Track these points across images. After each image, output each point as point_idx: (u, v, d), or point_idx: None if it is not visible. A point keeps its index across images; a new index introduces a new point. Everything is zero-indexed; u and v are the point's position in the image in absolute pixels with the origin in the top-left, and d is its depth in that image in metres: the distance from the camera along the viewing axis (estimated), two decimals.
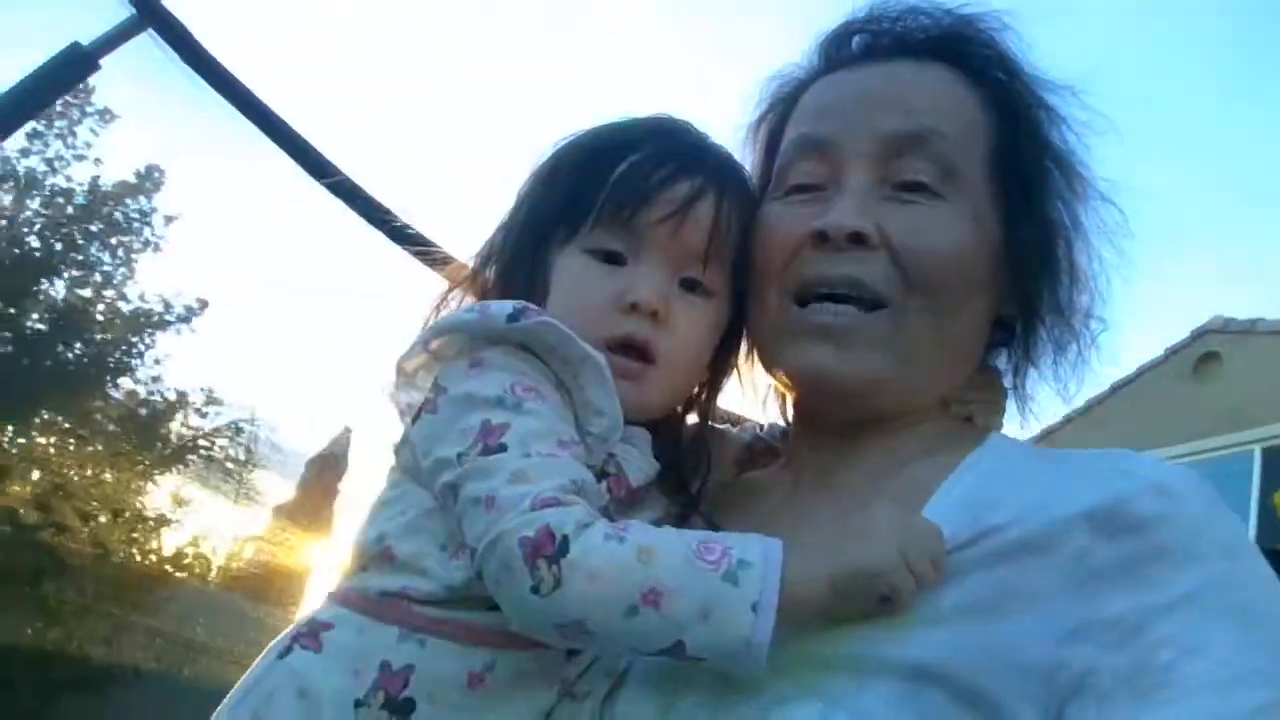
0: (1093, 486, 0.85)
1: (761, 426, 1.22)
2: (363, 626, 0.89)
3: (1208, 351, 11.23)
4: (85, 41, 2.66)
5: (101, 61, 2.68)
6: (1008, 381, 1.12)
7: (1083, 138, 1.08)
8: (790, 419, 1.15)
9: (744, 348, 1.11)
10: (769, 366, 1.06)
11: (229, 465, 15.53)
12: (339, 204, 2.74)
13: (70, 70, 2.62)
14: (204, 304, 14.36)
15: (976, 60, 1.07)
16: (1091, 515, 0.83)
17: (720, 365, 1.09)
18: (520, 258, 1.03)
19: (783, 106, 1.13)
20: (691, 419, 1.10)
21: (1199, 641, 0.78)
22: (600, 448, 0.94)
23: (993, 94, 1.06)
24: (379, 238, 2.60)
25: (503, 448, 0.85)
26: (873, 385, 0.98)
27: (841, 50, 1.12)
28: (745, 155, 1.16)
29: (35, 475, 12.32)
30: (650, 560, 0.78)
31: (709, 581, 0.77)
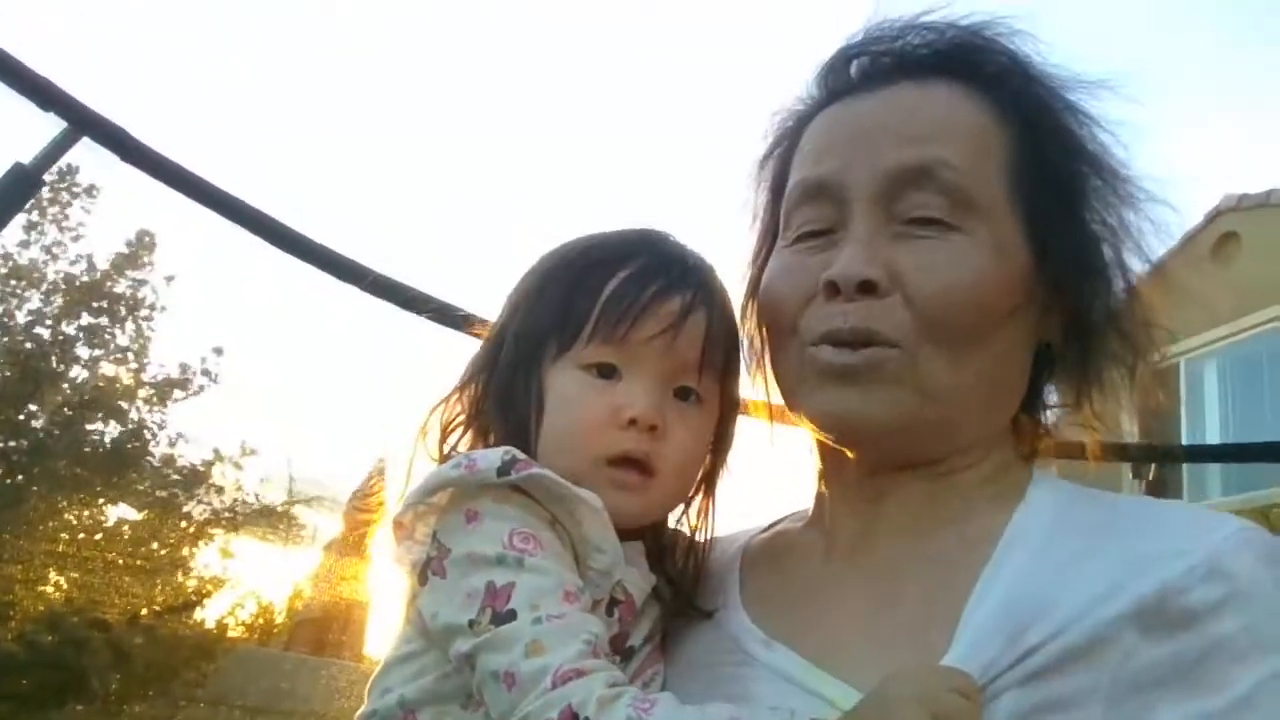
0: (1141, 575, 0.78)
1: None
2: None
3: (1225, 232, 11.01)
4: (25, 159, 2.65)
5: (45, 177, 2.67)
6: (1068, 408, 1.05)
7: (1119, 135, 1.00)
8: (819, 472, 1.09)
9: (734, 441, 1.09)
10: (795, 414, 1.02)
11: (276, 509, 15.57)
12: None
13: (16, 192, 2.60)
14: (219, 351, 14.34)
15: (988, 70, 1.00)
16: (1139, 613, 0.76)
17: (713, 466, 1.09)
18: (516, 375, 1.03)
19: (787, 143, 1.08)
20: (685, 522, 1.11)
21: None
22: (604, 581, 0.95)
23: (1010, 104, 0.98)
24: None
25: (512, 615, 0.86)
26: (901, 424, 0.93)
27: (841, 78, 1.05)
28: (751, 194, 1.13)
29: (60, 580, 12.14)
30: None
31: None
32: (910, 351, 0.91)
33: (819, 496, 1.09)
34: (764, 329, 1.05)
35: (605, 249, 1.04)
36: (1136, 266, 1.00)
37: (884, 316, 0.92)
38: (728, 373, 1.06)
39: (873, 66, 1.03)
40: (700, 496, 1.10)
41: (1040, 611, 0.80)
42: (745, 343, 1.10)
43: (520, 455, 0.94)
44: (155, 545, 13.43)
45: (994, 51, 1.00)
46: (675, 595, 1.04)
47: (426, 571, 0.94)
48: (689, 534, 1.09)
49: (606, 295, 0.99)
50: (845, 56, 1.05)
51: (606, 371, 0.99)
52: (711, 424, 1.06)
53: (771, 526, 1.16)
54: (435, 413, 1.07)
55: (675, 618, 1.04)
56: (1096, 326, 0.99)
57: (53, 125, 2.63)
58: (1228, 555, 0.78)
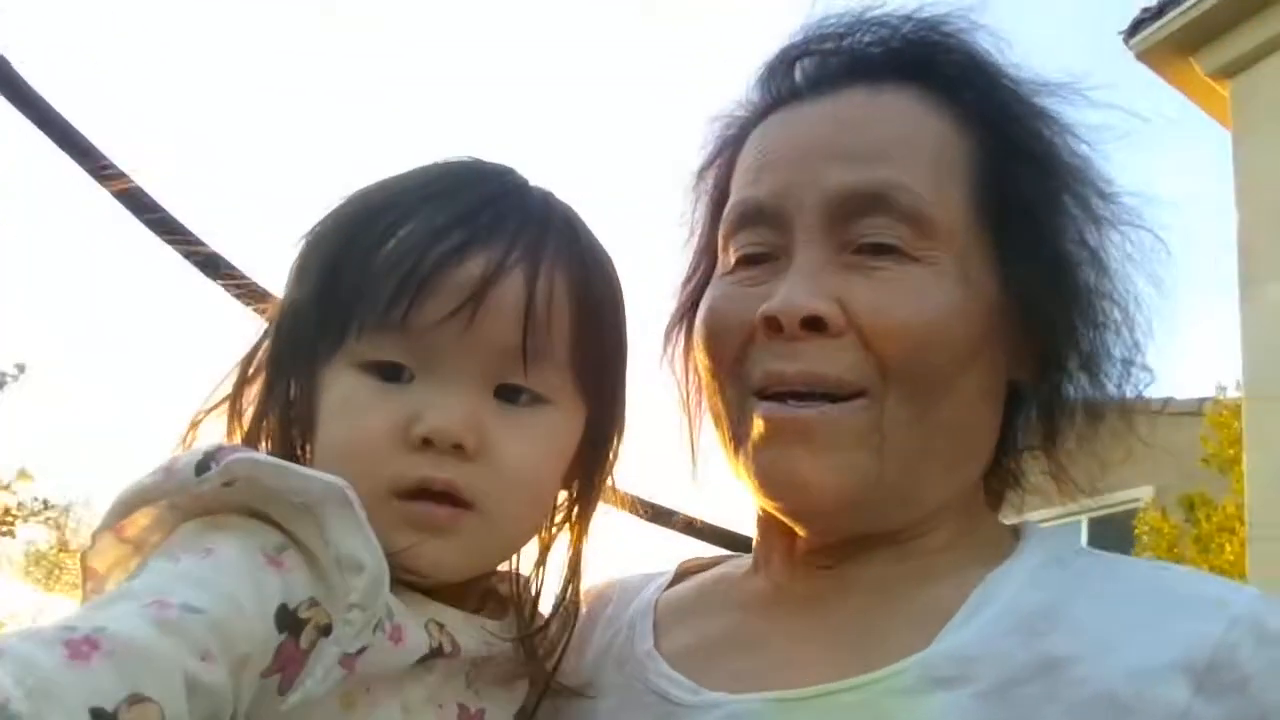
0: (1184, 626, 0.72)
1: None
2: None
3: None
4: None
5: None
6: (1039, 457, 0.94)
7: (1098, 145, 0.90)
8: (760, 524, 0.94)
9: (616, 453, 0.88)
10: (736, 473, 0.88)
11: (41, 548, 13.89)
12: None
13: None
14: (20, 368, 12.99)
15: (947, 72, 0.90)
16: (1190, 666, 0.69)
17: (582, 492, 0.84)
18: (277, 382, 0.77)
19: (729, 153, 0.96)
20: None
21: None
22: (366, 617, 0.65)
23: (974, 110, 0.89)
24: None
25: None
26: (860, 494, 0.81)
27: (784, 82, 0.94)
28: (689, 209, 1.00)
29: None
30: None
31: None
32: (877, 400, 0.81)
33: (760, 546, 0.94)
34: (700, 370, 0.92)
35: (388, 193, 0.76)
36: (1113, 303, 0.89)
37: (838, 359, 0.81)
38: (589, 360, 0.78)
39: (818, 69, 0.92)
40: (566, 532, 0.84)
41: (1056, 618, 0.73)
42: (674, 382, 0.96)
43: (226, 445, 0.70)
44: None
45: (953, 50, 0.90)
46: (531, 664, 0.79)
47: None
48: (551, 587, 0.84)
49: (377, 265, 0.71)
50: (788, 57, 0.94)
51: (391, 373, 0.72)
52: (571, 431, 0.79)
53: (695, 571, 1.00)
54: (198, 428, 0.79)
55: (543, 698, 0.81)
56: (1070, 361, 0.89)
57: None
58: (1267, 615, 0.73)
